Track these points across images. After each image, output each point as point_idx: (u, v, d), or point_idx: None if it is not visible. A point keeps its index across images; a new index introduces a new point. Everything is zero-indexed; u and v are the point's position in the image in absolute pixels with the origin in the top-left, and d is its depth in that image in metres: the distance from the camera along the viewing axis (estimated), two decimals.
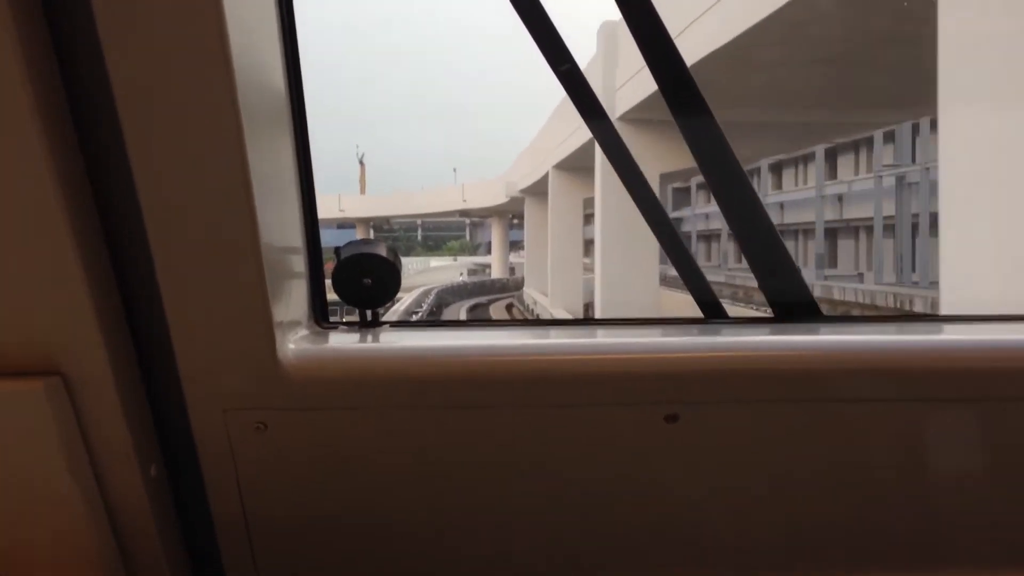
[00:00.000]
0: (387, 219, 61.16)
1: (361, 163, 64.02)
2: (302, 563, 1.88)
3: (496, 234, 61.46)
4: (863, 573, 1.91)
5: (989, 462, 1.81)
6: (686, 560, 1.91)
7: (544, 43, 1.75)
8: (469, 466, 1.80)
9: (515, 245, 66.64)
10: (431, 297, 39.33)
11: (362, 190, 61.52)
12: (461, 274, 57.64)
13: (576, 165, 31.79)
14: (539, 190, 40.96)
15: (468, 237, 77.83)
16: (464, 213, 60.84)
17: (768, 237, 1.88)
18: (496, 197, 49.56)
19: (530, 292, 44.38)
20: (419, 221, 76.75)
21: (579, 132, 23.20)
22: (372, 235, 56.45)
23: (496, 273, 58.75)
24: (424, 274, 55.09)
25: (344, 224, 52.75)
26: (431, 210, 58.47)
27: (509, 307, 45.62)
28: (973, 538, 1.89)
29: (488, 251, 73.06)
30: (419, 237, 77.46)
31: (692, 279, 2.01)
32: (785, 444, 1.78)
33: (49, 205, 1.37)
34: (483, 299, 47.39)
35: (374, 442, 1.75)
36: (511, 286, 52.15)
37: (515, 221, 56.74)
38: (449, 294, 44.92)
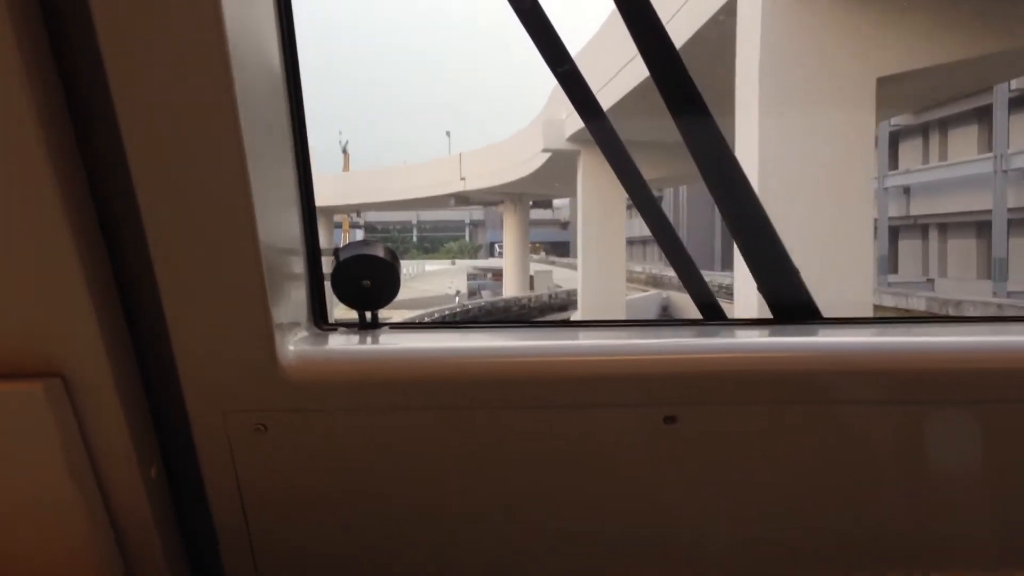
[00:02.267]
0: (355, 209, 51.46)
1: (344, 152, 56.10)
2: (303, 564, 1.96)
3: (511, 226, 43.75)
4: (862, 573, 1.97)
5: (988, 464, 1.87)
6: (685, 561, 1.99)
7: (543, 43, 1.83)
8: (469, 467, 1.87)
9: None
10: None
11: None
12: (456, 292, 42.39)
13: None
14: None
15: (468, 238, 72.53)
16: (461, 199, 44.24)
17: (767, 238, 1.94)
18: (511, 169, 34.72)
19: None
20: (415, 220, 71.14)
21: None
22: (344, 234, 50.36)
23: (510, 287, 43.16)
24: (418, 280, 45.99)
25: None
26: (414, 195, 43.35)
27: None
28: (971, 540, 1.97)
29: (490, 253, 67.20)
30: (414, 238, 72.19)
31: (691, 281, 2.10)
32: (784, 446, 1.84)
33: (48, 207, 1.43)
34: None
35: (374, 443, 1.82)
36: (535, 309, 38.98)
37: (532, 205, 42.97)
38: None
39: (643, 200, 2.08)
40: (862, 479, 1.87)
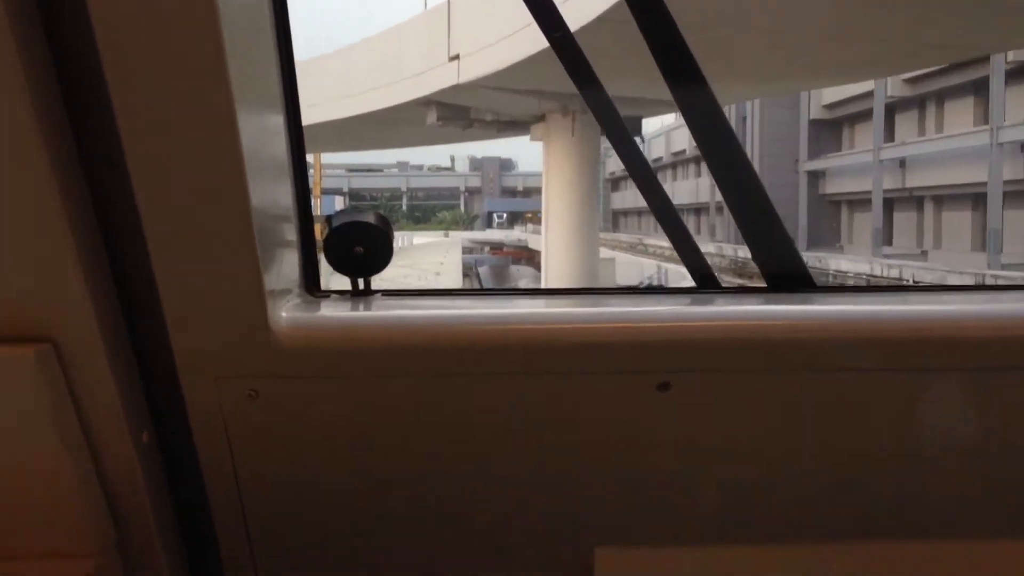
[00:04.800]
0: None
1: None
2: (295, 530, 1.99)
3: (562, 166, 21.69)
4: (855, 541, 2.00)
5: (980, 432, 1.90)
6: (678, 527, 2.01)
7: (537, 9, 1.82)
8: (462, 434, 1.89)
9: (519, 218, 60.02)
10: None
11: None
12: (438, 274, 29.94)
13: None
14: None
15: (463, 207, 71.53)
16: (451, 113, 22.65)
17: (762, 206, 1.96)
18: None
19: None
20: (404, 188, 70.42)
21: None
22: None
23: (558, 278, 23.68)
24: (400, 256, 33.07)
25: None
26: (359, 106, 23.98)
27: None
28: (965, 506, 1.99)
29: (488, 224, 62.77)
30: (404, 207, 71.62)
31: (685, 249, 2.09)
32: (777, 413, 1.87)
33: (37, 174, 1.42)
34: None
35: (366, 410, 1.84)
36: None
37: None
38: None
39: (639, 170, 2.06)
40: (855, 446, 1.90)
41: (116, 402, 1.67)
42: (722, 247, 31.05)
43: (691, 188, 43.41)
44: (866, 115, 30.36)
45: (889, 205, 29.00)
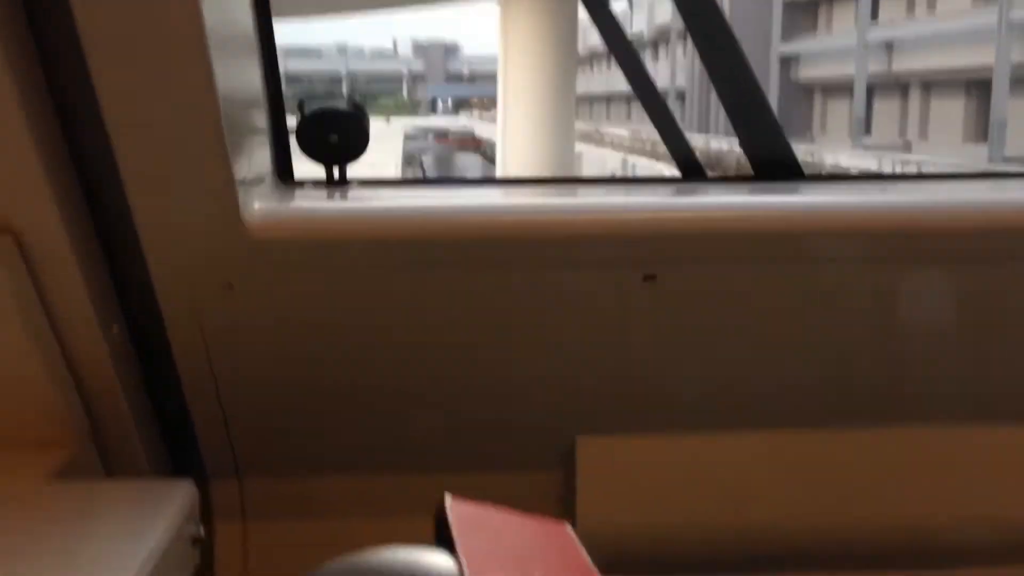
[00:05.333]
0: None
1: None
2: (272, 418, 1.99)
3: (519, 45, 15.92)
4: (837, 428, 2.03)
5: (963, 322, 1.94)
6: (661, 416, 2.04)
7: None
8: (443, 327, 1.89)
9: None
10: None
11: None
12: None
13: None
14: None
15: (406, 94, 67.71)
16: None
17: (751, 94, 1.97)
18: None
19: None
20: (344, 72, 66.64)
21: None
22: None
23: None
24: None
25: None
26: None
27: None
28: (944, 394, 2.04)
29: (432, 110, 59.67)
30: (344, 92, 67.21)
31: (672, 139, 2.10)
32: (763, 303, 1.89)
33: None
34: None
35: (343, 303, 1.83)
36: None
37: None
38: None
39: (626, 58, 2.16)
40: (838, 336, 1.94)
41: (83, 294, 1.63)
42: (691, 138, 28.46)
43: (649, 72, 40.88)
44: None
45: (868, 92, 26.64)
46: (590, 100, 51.66)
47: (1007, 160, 19.62)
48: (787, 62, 29.87)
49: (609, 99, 48.84)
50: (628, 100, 45.37)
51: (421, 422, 1.98)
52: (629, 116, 44.71)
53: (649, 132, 32.90)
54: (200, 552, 1.71)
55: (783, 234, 1.78)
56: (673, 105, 37.13)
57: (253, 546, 2.05)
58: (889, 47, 25.63)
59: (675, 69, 35.18)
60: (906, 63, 25.26)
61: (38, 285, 1.59)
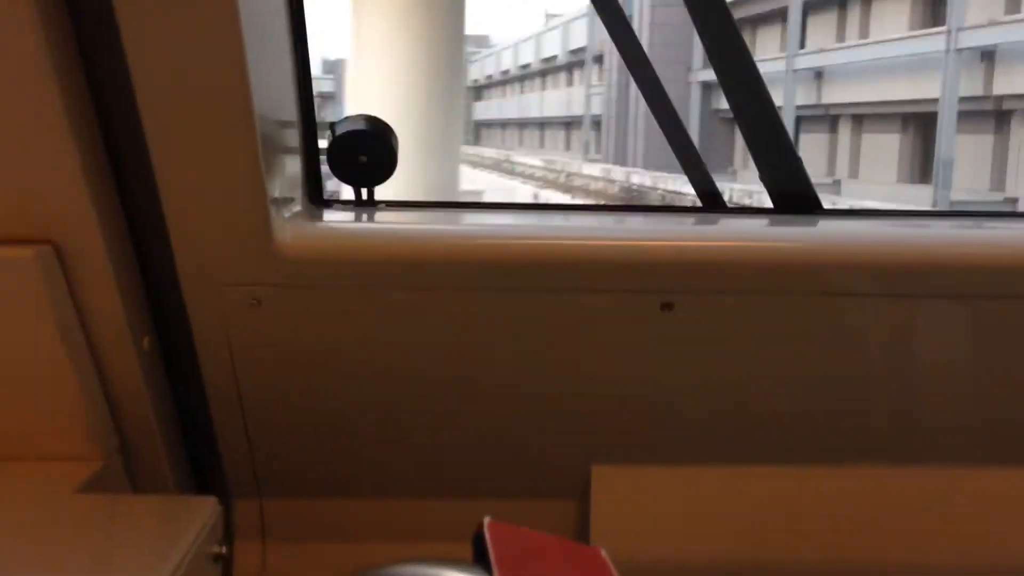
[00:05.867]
0: None
1: None
2: (295, 439, 1.99)
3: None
4: (851, 465, 2.01)
5: (980, 359, 1.92)
6: (676, 447, 2.02)
7: None
8: (463, 348, 1.89)
9: None
10: None
11: None
12: None
13: None
14: None
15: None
16: None
17: (772, 126, 1.97)
18: None
19: None
20: None
21: None
22: None
23: None
24: None
25: None
26: None
27: None
28: (959, 433, 2.00)
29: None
30: None
31: (692, 168, 2.10)
32: (780, 335, 1.88)
33: (38, 73, 1.40)
34: None
35: (368, 322, 1.84)
36: None
37: None
38: None
39: (648, 82, 2.11)
40: (854, 371, 1.94)
41: (117, 307, 1.66)
42: (610, 170, 25.51)
43: (562, 97, 38.74)
44: (772, 16, 25.89)
45: (796, 125, 24.72)
46: (503, 125, 49.57)
47: (954, 205, 17.71)
48: (710, 90, 27.82)
49: (522, 125, 46.80)
50: (541, 126, 43.24)
51: (441, 447, 2.00)
52: (542, 144, 42.43)
53: (565, 162, 30.24)
54: (222, 568, 1.68)
55: (801, 267, 1.79)
56: (587, 134, 34.88)
57: (273, 566, 2.05)
58: (819, 75, 23.77)
59: (589, 95, 33.03)
60: (837, 94, 23.40)
61: (75, 296, 1.63)
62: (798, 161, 1.96)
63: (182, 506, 1.70)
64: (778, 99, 23.73)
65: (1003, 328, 1.85)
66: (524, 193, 25.93)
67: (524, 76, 44.17)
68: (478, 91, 52.28)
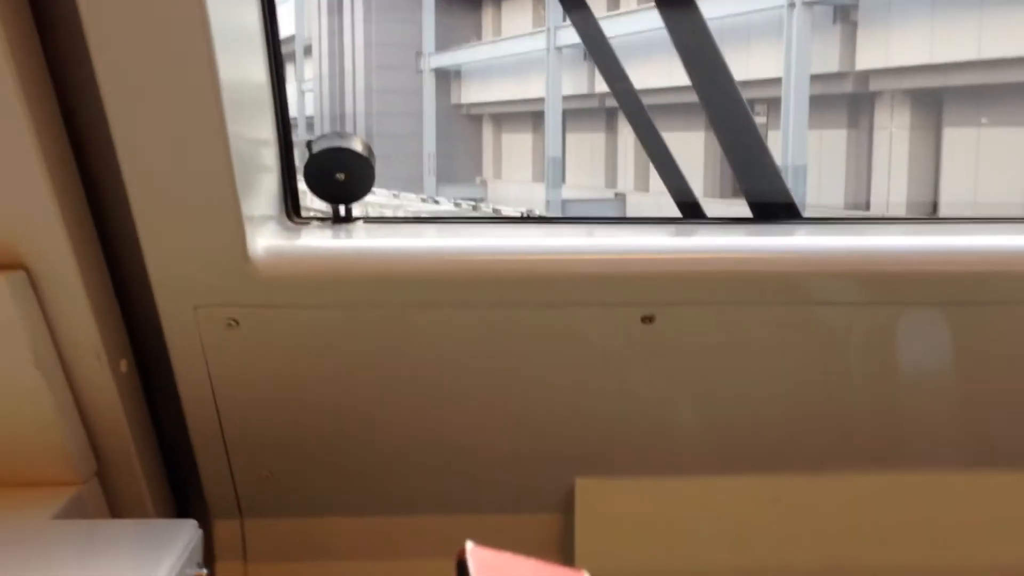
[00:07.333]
0: None
1: None
2: (275, 458, 1.98)
3: None
4: (834, 472, 2.02)
5: (959, 365, 1.93)
6: (659, 458, 2.03)
7: None
8: (444, 365, 1.89)
9: None
10: None
11: None
12: None
13: None
14: None
15: None
16: None
17: (749, 136, 1.98)
18: None
19: None
20: None
21: None
22: None
23: None
24: None
25: None
26: None
27: None
28: (946, 438, 2.03)
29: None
30: None
31: (671, 178, 2.09)
32: (761, 346, 1.89)
33: (8, 97, 1.40)
34: None
35: (347, 340, 1.83)
36: None
37: None
38: None
39: (624, 95, 2.12)
40: (835, 379, 1.93)
41: (93, 330, 1.65)
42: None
43: None
44: None
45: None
46: None
47: (567, 203, 17.66)
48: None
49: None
50: None
51: (422, 464, 1.99)
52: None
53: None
54: None
55: (781, 276, 1.80)
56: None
57: None
58: (459, 76, 23.36)
59: (302, 90, 26.39)
60: (475, 94, 23.07)
61: (49, 321, 1.61)
62: (776, 169, 2.00)
63: (161, 530, 1.70)
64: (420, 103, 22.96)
65: (985, 334, 1.88)
66: None
67: None
68: None
